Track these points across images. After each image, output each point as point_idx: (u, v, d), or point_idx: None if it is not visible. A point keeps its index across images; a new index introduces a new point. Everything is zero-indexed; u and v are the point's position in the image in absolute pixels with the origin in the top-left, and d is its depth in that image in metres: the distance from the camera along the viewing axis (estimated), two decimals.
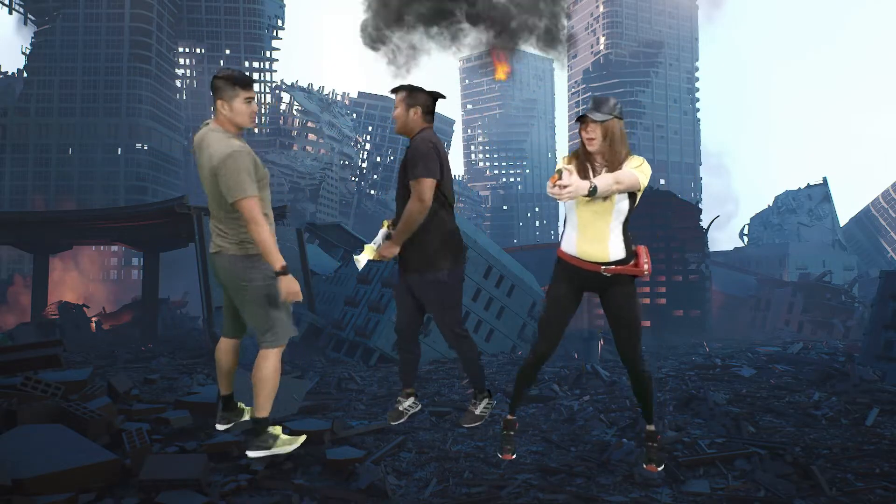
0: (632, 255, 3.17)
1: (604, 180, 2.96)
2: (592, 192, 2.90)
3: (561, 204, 3.24)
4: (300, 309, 23.20)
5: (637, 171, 3.08)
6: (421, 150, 3.25)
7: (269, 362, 3.05)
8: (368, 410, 12.72)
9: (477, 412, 3.61)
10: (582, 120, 3.15)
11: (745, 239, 62.75)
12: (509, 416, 3.68)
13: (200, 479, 6.10)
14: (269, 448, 3.16)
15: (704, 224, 39.62)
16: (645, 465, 3.57)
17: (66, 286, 47.69)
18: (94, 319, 33.55)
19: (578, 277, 3.23)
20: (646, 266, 3.16)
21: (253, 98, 3.18)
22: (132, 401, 10.75)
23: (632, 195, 3.10)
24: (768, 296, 40.86)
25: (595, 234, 3.14)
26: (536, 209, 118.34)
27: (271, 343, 3.04)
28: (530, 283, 26.31)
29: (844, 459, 7.90)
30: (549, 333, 3.38)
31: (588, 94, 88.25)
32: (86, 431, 7.60)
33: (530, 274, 27.41)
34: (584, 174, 3.17)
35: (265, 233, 2.96)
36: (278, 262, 2.90)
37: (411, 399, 3.71)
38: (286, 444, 3.21)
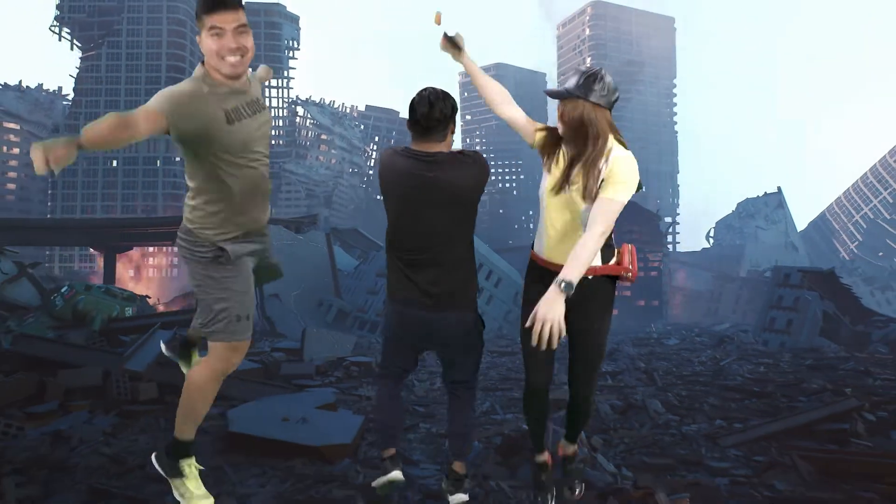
0: (611, 257, 2.56)
1: (572, 268, 2.25)
2: (567, 289, 2.21)
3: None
4: (330, 297, 27.65)
5: (614, 189, 2.35)
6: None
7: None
8: None
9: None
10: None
11: (711, 240, 67.36)
12: (539, 457, 2.94)
13: (312, 374, 10.51)
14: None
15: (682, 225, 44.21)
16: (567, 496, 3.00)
17: (123, 281, 52.23)
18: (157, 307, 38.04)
19: (549, 282, 2.33)
20: (630, 266, 2.54)
21: (221, 29, 2.20)
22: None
23: None
24: (721, 289, 45.46)
25: (565, 236, 2.50)
26: (531, 212, 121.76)
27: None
28: (515, 278, 30.85)
29: (685, 375, 12.34)
30: (538, 357, 2.60)
31: None
32: None
33: (515, 270, 31.95)
34: (550, 159, 2.56)
35: None
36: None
37: (398, 471, 2.94)
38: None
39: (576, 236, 2.46)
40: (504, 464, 5.16)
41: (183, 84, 2.29)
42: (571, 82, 2.43)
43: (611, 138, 2.47)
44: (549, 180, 2.55)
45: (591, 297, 2.57)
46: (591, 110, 2.40)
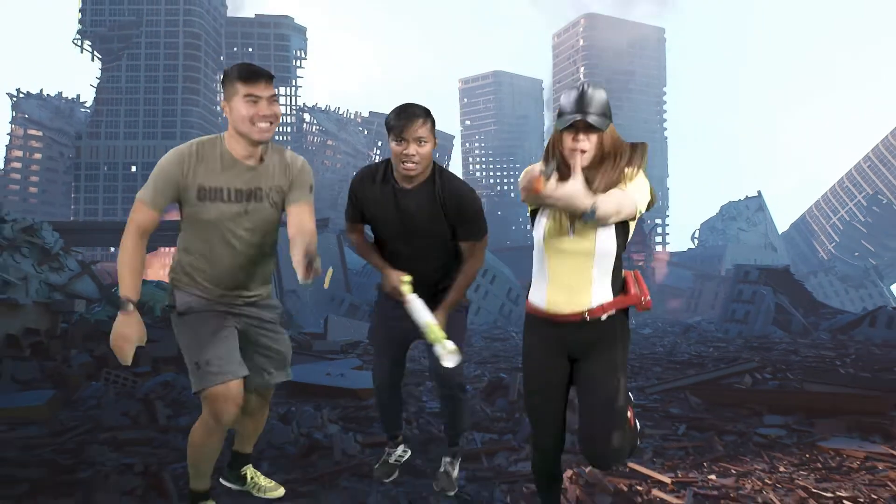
0: (621, 286, 2.13)
1: (607, 203, 1.85)
2: (590, 217, 1.83)
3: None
4: (342, 293, 29.71)
5: (637, 191, 2.01)
6: (479, 205, 2.62)
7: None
8: None
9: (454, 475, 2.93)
10: (572, 125, 2.02)
11: (696, 241, 69.39)
12: None
13: (338, 350, 12.58)
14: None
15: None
16: None
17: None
18: None
19: (554, 335, 2.12)
20: (634, 292, 2.10)
21: (258, 97, 2.20)
22: None
23: (624, 229, 2.05)
24: (700, 287, 47.46)
25: (571, 283, 2.09)
26: (527, 214, 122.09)
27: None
28: (508, 275, 32.98)
29: (644, 354, 14.37)
30: (545, 419, 2.20)
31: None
32: None
33: (508, 268, 34.08)
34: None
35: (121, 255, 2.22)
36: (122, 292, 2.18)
37: (401, 447, 3.02)
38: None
39: (588, 289, 2.08)
40: (487, 400, 7.25)
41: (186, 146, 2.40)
42: (590, 105, 2.03)
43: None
44: (549, 222, 2.12)
45: (611, 336, 2.11)
46: (611, 136, 2.14)
